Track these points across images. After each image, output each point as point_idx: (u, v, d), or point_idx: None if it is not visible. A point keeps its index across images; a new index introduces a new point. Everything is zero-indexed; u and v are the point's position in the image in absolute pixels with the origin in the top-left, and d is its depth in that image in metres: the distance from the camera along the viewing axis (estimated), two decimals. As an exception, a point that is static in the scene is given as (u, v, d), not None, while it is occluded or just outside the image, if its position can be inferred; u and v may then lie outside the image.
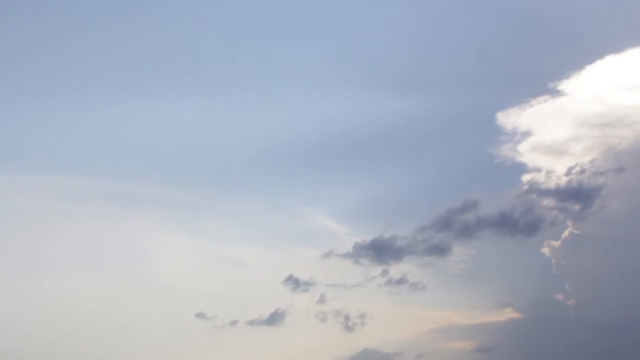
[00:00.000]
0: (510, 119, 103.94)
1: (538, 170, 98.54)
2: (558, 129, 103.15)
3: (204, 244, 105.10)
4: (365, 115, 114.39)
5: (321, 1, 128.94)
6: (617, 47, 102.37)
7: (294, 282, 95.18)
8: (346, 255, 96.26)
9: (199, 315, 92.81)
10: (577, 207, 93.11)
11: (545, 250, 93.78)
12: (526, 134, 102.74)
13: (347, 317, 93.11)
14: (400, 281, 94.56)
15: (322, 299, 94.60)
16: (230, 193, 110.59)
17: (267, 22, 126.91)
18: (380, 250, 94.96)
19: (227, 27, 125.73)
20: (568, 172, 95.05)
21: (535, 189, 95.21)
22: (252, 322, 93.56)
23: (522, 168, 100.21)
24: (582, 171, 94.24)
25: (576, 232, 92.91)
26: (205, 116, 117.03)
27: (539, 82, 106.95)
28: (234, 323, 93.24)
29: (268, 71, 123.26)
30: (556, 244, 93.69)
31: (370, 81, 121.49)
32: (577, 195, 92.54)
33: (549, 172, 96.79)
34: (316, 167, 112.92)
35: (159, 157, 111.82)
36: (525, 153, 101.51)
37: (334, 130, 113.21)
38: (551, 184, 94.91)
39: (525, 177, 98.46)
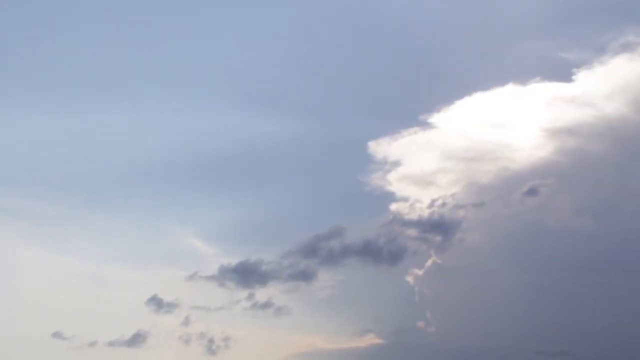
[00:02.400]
0: (381, 148, 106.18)
1: (406, 199, 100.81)
2: (426, 161, 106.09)
3: (65, 260, 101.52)
4: (238, 135, 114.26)
5: (203, 18, 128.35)
6: (484, 85, 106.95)
7: (157, 303, 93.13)
8: (212, 277, 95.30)
9: (56, 334, 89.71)
10: (438, 238, 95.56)
11: (409, 279, 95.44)
12: (396, 163, 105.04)
13: (211, 340, 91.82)
14: (266, 305, 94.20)
15: (186, 321, 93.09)
16: (98, 208, 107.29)
17: (148, 35, 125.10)
18: (246, 274, 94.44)
19: (105, 40, 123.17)
20: (431, 204, 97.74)
21: (399, 219, 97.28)
22: (112, 343, 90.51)
23: (391, 197, 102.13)
24: (444, 204, 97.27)
25: (439, 261, 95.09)
26: (75, 129, 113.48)
27: (411, 114, 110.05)
28: (93, 344, 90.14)
29: (142, 85, 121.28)
30: (419, 272, 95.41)
31: (245, 101, 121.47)
32: (439, 227, 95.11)
33: (415, 203, 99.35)
34: (187, 186, 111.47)
35: (25, 168, 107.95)
36: (394, 182, 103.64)
37: (207, 148, 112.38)
38: (414, 215, 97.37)
39: (394, 206, 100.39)
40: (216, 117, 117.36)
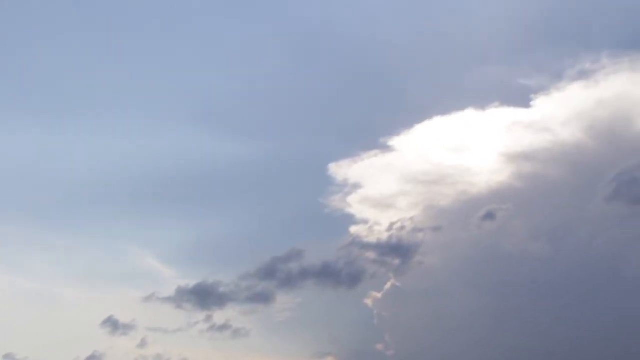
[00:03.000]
0: (341, 170, 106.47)
1: (365, 222, 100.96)
2: (386, 184, 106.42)
3: (18, 279, 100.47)
4: (198, 156, 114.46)
5: (164, 38, 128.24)
6: (444, 109, 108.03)
7: (113, 324, 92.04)
8: (169, 298, 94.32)
9: (8, 356, 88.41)
10: (397, 261, 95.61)
11: (368, 302, 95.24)
12: (356, 186, 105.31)
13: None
14: (224, 327, 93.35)
15: (142, 343, 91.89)
16: (53, 227, 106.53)
17: (107, 55, 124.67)
18: (203, 296, 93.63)
19: (63, 61, 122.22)
20: (390, 228, 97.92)
21: (358, 242, 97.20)
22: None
23: (351, 219, 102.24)
24: (403, 227, 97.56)
25: (398, 284, 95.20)
26: (32, 147, 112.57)
27: (371, 137, 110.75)
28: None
29: (102, 105, 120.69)
30: (378, 295, 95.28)
31: (206, 122, 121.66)
32: (397, 250, 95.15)
33: (374, 225, 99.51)
34: (145, 206, 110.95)
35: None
36: (355, 205, 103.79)
37: (167, 169, 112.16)
38: (373, 238, 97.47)
39: (353, 229, 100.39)
40: (176, 137, 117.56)
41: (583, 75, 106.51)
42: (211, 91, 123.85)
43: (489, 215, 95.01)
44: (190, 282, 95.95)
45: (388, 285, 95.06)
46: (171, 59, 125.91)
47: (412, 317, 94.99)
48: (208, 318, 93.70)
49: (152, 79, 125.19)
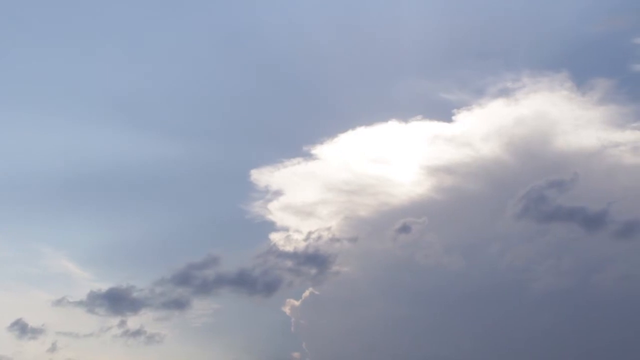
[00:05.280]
0: (263, 176, 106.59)
1: (286, 229, 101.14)
2: (308, 192, 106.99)
3: None
4: (116, 157, 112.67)
5: (89, 38, 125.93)
6: (368, 120, 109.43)
7: (21, 328, 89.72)
8: (80, 303, 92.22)
9: None
10: (314, 270, 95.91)
11: (286, 309, 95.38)
12: (278, 193, 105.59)
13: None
14: (138, 333, 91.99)
15: (53, 348, 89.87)
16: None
17: (26, 52, 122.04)
18: (116, 300, 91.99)
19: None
20: (307, 237, 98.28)
21: (275, 251, 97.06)
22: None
23: (271, 226, 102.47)
24: (319, 237, 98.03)
25: (316, 293, 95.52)
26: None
27: (294, 145, 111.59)
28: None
29: (13, 100, 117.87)
30: (296, 303, 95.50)
31: (124, 121, 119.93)
32: (314, 259, 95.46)
33: (293, 234, 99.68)
34: (60, 205, 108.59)
35: None
36: (275, 212, 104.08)
37: (84, 169, 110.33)
38: (290, 247, 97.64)
39: (273, 236, 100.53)
40: (94, 136, 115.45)
41: (504, 92, 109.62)
42: (132, 91, 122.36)
43: (405, 228, 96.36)
44: (104, 286, 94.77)
45: (306, 294, 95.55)
46: (90, 57, 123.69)
47: (329, 326, 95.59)
48: (122, 323, 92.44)
49: (71, 78, 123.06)
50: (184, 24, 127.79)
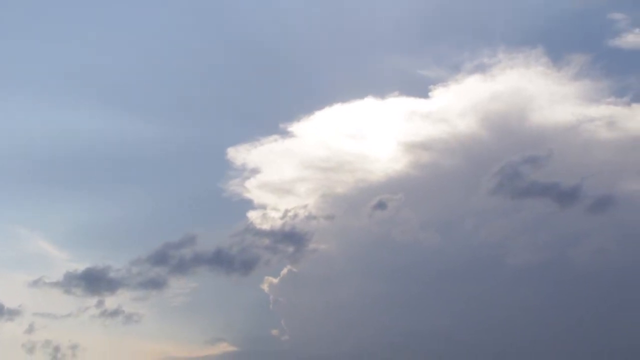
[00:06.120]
0: (240, 155, 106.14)
1: (263, 207, 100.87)
2: (285, 169, 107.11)
3: None
4: (92, 136, 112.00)
5: (59, 17, 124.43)
6: (344, 97, 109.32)
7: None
8: (57, 283, 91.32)
9: None
10: (291, 248, 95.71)
11: (264, 287, 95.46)
12: (255, 171, 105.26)
13: (57, 349, 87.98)
14: (115, 313, 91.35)
15: (30, 329, 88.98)
16: None
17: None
18: (93, 281, 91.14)
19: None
20: (284, 215, 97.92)
21: (252, 229, 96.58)
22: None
23: (249, 205, 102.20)
24: (296, 215, 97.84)
25: (294, 270, 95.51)
26: None
27: (271, 122, 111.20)
28: None
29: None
30: (275, 281, 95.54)
31: (100, 102, 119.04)
32: (290, 237, 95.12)
33: (270, 212, 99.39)
34: (36, 186, 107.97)
35: None
36: (253, 190, 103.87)
37: (59, 149, 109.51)
38: (268, 225, 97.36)
39: (251, 214, 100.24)
40: (70, 117, 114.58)
41: (480, 68, 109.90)
42: (108, 71, 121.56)
43: (381, 205, 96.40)
44: (81, 266, 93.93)
45: (284, 271, 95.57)
46: (66, 37, 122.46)
47: (307, 303, 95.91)
48: (99, 303, 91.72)
49: (47, 58, 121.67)
50: (160, 2, 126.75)
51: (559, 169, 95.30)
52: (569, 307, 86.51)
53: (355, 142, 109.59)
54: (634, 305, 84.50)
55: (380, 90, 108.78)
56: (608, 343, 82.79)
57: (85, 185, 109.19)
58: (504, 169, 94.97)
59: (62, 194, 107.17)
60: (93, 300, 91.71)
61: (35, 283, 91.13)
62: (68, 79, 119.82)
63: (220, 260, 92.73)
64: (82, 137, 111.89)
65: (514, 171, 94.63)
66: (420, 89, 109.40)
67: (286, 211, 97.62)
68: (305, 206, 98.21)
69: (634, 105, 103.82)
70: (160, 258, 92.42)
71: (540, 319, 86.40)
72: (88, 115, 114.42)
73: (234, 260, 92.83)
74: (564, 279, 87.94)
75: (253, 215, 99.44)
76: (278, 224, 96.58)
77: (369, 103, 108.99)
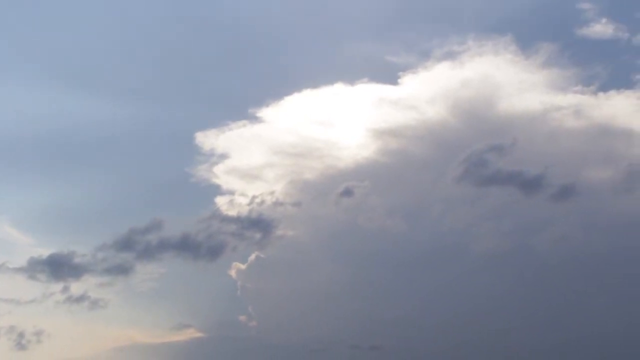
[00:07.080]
0: (209, 139, 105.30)
1: (232, 193, 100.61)
2: (254, 155, 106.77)
3: None
4: (56, 117, 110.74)
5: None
6: (313, 83, 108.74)
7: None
8: (21, 269, 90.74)
9: None
10: (258, 235, 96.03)
11: (232, 273, 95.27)
12: (223, 156, 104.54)
13: (21, 335, 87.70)
14: (81, 298, 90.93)
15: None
16: None
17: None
18: (58, 267, 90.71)
19: None
20: (251, 202, 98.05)
21: (219, 215, 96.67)
22: None
23: (217, 190, 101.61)
24: (263, 202, 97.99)
25: (262, 256, 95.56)
26: None
27: (240, 107, 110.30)
28: None
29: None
30: (243, 267, 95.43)
31: (64, 81, 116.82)
32: (257, 224, 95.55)
33: (237, 198, 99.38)
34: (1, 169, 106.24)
35: None
36: (221, 175, 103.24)
37: (24, 131, 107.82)
38: (234, 211, 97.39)
39: (219, 200, 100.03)
40: (32, 97, 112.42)
41: (449, 55, 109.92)
42: (73, 51, 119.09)
43: (347, 192, 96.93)
44: (45, 251, 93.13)
45: (252, 257, 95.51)
46: (29, 16, 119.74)
47: (275, 289, 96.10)
48: (64, 289, 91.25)
49: (8, 37, 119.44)
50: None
51: (524, 157, 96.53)
52: (532, 293, 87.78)
53: (324, 129, 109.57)
54: (596, 292, 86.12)
55: (350, 76, 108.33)
56: (571, 330, 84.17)
57: (50, 168, 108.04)
58: (470, 156, 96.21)
59: (26, 178, 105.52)
60: (58, 286, 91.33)
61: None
62: (29, 59, 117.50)
63: (188, 246, 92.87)
64: (45, 119, 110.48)
65: (480, 159, 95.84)
66: (390, 76, 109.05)
67: (253, 197, 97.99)
68: (272, 192, 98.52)
69: (600, 94, 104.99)
70: (126, 243, 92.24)
71: (504, 305, 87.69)
72: (51, 96, 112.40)
73: (202, 246, 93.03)
74: (527, 267, 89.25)
75: (221, 201, 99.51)
76: (245, 210, 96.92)
77: (338, 89, 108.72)
